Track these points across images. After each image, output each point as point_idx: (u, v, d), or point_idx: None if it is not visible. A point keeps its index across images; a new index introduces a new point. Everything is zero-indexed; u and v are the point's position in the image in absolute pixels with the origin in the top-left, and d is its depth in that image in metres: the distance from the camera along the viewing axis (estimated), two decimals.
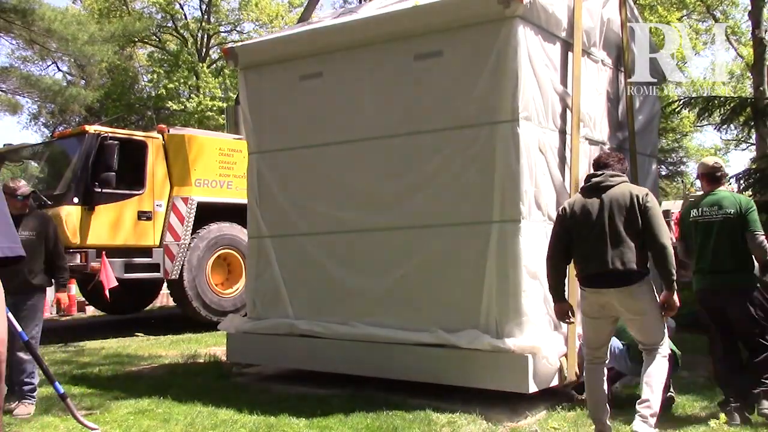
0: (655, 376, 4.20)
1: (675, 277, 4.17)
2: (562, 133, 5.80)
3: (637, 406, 4.14)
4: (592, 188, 4.35)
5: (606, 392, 4.40)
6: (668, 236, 4.21)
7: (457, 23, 5.51)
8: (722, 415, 4.78)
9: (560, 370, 5.26)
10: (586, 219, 4.27)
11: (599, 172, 4.38)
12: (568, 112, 5.80)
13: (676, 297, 4.20)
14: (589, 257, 4.26)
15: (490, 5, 5.28)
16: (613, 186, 4.28)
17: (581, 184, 5.95)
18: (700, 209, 4.97)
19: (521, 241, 5.17)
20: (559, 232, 4.43)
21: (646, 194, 4.27)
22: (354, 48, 6.09)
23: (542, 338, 5.18)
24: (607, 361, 4.47)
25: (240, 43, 7.32)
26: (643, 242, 4.19)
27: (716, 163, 5.12)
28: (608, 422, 4.35)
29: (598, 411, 4.34)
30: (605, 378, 4.41)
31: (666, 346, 4.31)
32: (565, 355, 5.32)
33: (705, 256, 4.91)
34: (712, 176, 5.03)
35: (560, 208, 4.52)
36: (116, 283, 9.46)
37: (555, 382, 5.26)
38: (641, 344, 4.35)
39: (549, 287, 4.55)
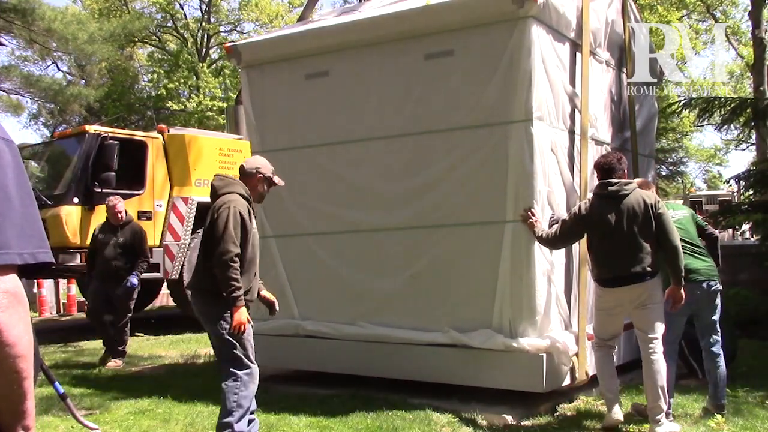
0: (659, 379, 4.57)
1: (683, 274, 4.66)
2: (571, 133, 5.78)
3: (652, 414, 4.54)
4: (609, 196, 4.68)
5: (614, 370, 4.93)
6: (678, 237, 4.66)
7: (469, 23, 5.46)
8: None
9: (572, 369, 5.27)
10: (606, 227, 4.65)
11: (614, 180, 4.71)
12: (577, 112, 5.80)
13: (682, 291, 4.68)
14: (610, 263, 4.69)
15: (503, 5, 5.24)
16: (628, 194, 4.66)
17: (591, 185, 6.00)
18: None
19: (535, 240, 5.17)
20: (572, 229, 4.85)
21: (657, 201, 4.72)
22: (363, 46, 6.02)
23: (555, 337, 5.17)
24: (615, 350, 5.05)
25: (243, 41, 7.27)
26: (655, 244, 4.66)
27: None
28: (618, 396, 4.88)
29: (609, 384, 4.82)
30: (613, 359, 4.97)
31: (661, 342, 4.68)
32: (576, 355, 5.32)
33: None
34: None
35: (576, 208, 4.86)
36: None
37: (567, 381, 5.27)
38: (642, 335, 4.72)
39: (542, 236, 4.96)
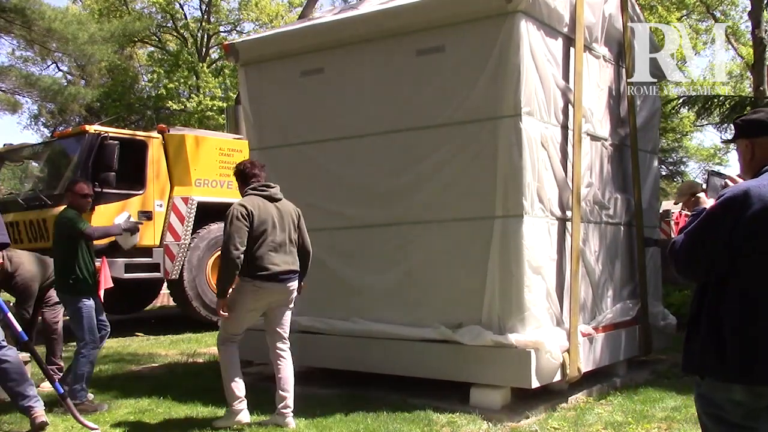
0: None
1: None
2: (564, 128, 5.78)
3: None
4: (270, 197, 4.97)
5: None
6: None
7: (459, 18, 5.50)
8: None
9: (563, 365, 5.26)
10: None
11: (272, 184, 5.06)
12: (570, 107, 5.80)
13: None
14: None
15: (492, 0, 5.28)
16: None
17: (586, 179, 5.99)
18: None
19: (524, 236, 5.15)
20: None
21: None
22: (356, 43, 6.06)
23: (545, 333, 5.17)
24: None
25: (240, 39, 7.31)
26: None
27: None
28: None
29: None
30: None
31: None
32: (567, 350, 5.31)
33: None
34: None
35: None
36: (112, 284, 9.43)
37: (557, 378, 5.26)
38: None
39: None
